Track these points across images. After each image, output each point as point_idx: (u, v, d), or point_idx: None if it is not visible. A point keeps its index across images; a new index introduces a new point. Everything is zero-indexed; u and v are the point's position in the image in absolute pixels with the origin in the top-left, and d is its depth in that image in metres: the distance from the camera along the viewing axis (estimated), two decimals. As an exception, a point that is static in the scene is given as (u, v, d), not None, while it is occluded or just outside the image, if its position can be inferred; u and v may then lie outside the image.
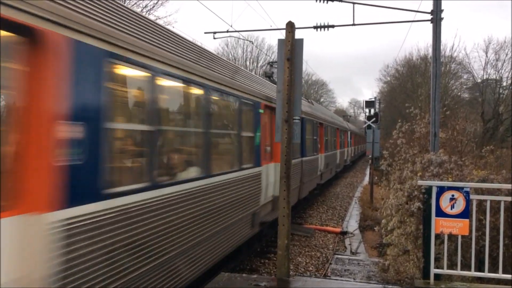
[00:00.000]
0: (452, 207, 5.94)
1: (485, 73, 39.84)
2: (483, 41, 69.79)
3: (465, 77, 41.93)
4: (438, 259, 6.23)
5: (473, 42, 64.24)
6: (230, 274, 6.95)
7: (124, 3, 14.17)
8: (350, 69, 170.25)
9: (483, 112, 34.81)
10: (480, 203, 6.32)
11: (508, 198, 6.04)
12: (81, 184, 3.96)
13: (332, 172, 25.07)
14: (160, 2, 25.02)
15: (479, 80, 40.28)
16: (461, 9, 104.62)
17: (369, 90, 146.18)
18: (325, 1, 14.22)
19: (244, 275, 6.93)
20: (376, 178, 22.17)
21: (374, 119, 23.11)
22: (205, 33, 16.36)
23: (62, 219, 3.66)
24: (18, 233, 3.27)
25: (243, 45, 50.53)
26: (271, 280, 6.60)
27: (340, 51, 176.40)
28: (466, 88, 43.23)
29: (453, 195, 5.95)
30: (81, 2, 4.09)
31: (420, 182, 6.56)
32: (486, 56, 39.40)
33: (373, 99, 27.65)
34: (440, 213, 5.98)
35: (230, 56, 50.49)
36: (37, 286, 3.45)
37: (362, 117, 54.18)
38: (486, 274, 5.98)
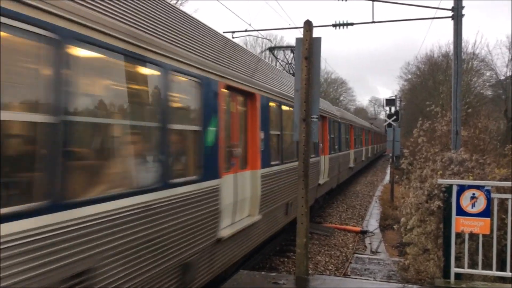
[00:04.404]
0: (473, 205, 5.88)
1: (508, 70, 39.12)
2: (506, 37, 68.45)
3: (487, 74, 41.20)
4: (459, 259, 6.16)
5: (495, 39, 63.00)
6: (249, 272, 7.00)
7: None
8: (364, 68, 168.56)
9: (506, 110, 34.11)
10: (502, 202, 6.24)
11: (531, 197, 5.94)
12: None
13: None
14: (179, 2, 25.19)
15: (502, 77, 39.57)
16: (483, 5, 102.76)
17: (384, 88, 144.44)
18: (344, -1, 14.17)
19: (263, 273, 6.96)
20: (397, 177, 21.98)
21: (394, 117, 22.88)
22: (224, 32, 16.41)
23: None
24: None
25: (262, 44, 50.55)
26: (290, 278, 6.62)
27: (354, 49, 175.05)
28: (489, 85, 42.45)
29: (473, 194, 5.88)
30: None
31: (440, 181, 6.50)
32: (509, 52, 38.69)
33: (394, 97, 27.41)
34: (461, 212, 5.92)
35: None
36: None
37: (382, 115, 53.66)
38: (508, 273, 5.90)
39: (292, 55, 16.88)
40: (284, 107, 10.71)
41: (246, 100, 8.43)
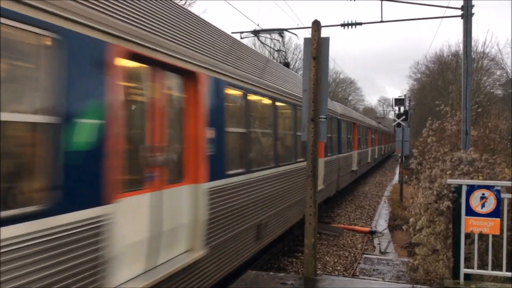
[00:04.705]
0: (483, 206, 5.83)
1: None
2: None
3: (498, 73, 40.89)
4: (468, 259, 6.12)
5: (506, 38, 62.50)
6: (257, 272, 7.00)
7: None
8: (372, 67, 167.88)
9: (517, 109, 33.83)
10: (512, 202, 6.19)
11: (541, 197, 5.89)
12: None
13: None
14: (188, 3, 25.25)
15: (513, 76, 39.21)
16: (493, 4, 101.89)
17: (392, 88, 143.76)
18: (353, -1, 14.14)
19: (271, 273, 6.96)
20: (406, 177, 21.88)
21: (403, 117, 22.77)
22: (232, 33, 16.39)
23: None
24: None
25: (270, 44, 50.44)
26: (298, 279, 6.62)
27: (362, 49, 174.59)
28: (499, 84, 42.10)
29: (483, 194, 5.84)
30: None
31: (449, 181, 6.46)
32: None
33: (403, 97, 27.28)
34: (470, 212, 5.88)
35: (258, 55, 50.41)
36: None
37: (391, 115, 53.41)
38: (518, 274, 5.85)
39: (281, 39, 15.45)
40: (254, 97, 8.14)
41: (185, 82, 5.81)
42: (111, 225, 4.10)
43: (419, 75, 53.11)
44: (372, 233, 14.62)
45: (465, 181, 6.18)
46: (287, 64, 13.84)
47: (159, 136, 5.16)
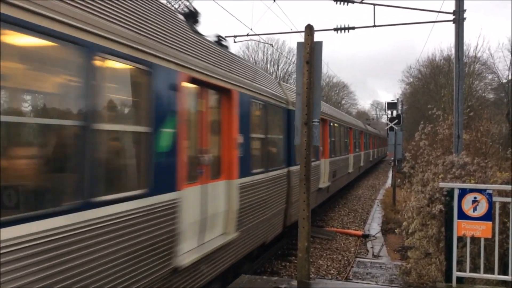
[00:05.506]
0: (475, 209, 5.87)
1: (510, 73, 39.09)
2: (507, 40, 68.38)
3: (489, 77, 41.22)
4: (460, 262, 6.15)
5: (497, 42, 63.02)
6: (250, 276, 6.99)
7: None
8: (365, 71, 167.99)
9: (508, 113, 34.06)
10: (504, 206, 6.23)
11: (533, 200, 5.93)
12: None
13: None
14: (181, 6, 25.21)
15: (504, 81, 39.56)
16: (485, 8, 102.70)
17: (384, 91, 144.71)
18: (346, 3, 14.19)
19: (264, 277, 6.96)
20: (399, 180, 21.96)
21: (396, 121, 22.85)
22: (226, 36, 16.36)
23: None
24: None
25: (264, 48, 50.62)
26: (292, 283, 6.61)
27: (355, 52, 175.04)
28: (491, 88, 42.44)
29: (475, 198, 5.88)
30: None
31: (441, 184, 6.49)
32: (511, 55, 38.64)
33: (395, 101, 27.38)
34: (462, 215, 5.92)
35: (251, 59, 50.70)
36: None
37: (384, 119, 53.65)
38: (510, 277, 5.88)
39: None
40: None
41: None
42: None
43: (411, 79, 53.42)
44: (365, 236, 14.63)
45: (457, 185, 6.22)
46: (195, 18, 7.75)
47: None
